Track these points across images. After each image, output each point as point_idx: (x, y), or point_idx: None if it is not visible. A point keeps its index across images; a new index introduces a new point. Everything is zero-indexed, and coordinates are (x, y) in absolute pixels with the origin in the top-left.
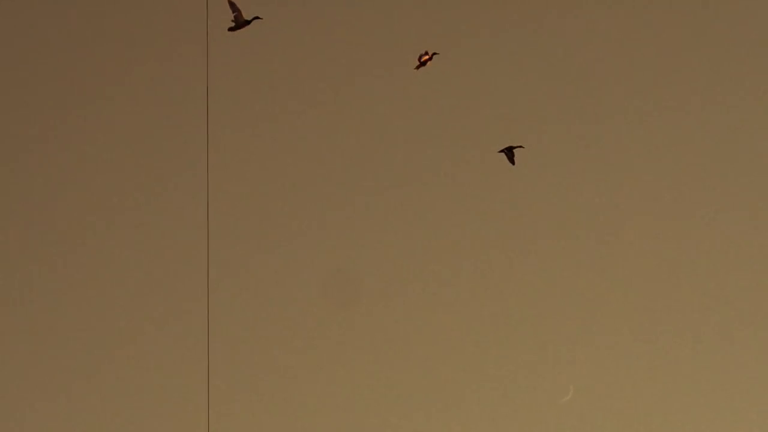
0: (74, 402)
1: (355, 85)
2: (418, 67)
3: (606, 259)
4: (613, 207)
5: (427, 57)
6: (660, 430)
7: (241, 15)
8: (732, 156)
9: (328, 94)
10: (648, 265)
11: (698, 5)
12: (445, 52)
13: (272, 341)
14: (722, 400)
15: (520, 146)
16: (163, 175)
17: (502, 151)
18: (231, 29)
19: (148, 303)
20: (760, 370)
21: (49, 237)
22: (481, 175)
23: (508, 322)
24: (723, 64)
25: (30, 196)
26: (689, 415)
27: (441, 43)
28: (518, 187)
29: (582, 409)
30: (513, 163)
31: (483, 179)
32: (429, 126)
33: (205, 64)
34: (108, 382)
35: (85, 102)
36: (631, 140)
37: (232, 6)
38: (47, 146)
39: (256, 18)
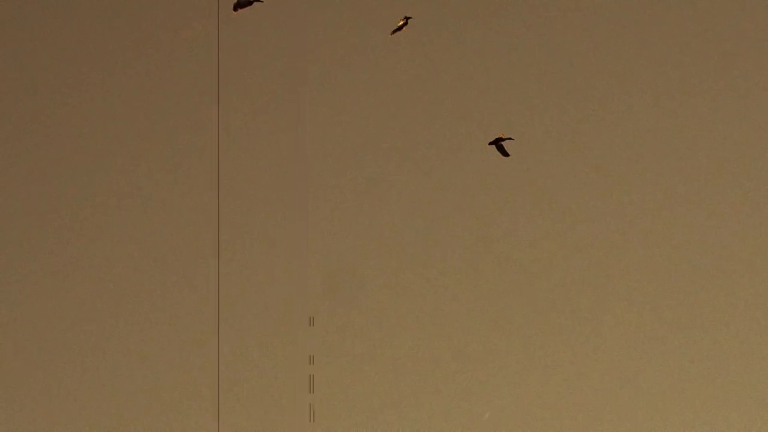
0: (81, 402)
1: (356, 82)
2: (393, 32)
3: (610, 259)
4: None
5: (402, 22)
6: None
7: None
8: (730, 152)
9: (330, 90)
10: (638, 266)
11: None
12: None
13: (273, 341)
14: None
15: (510, 138)
16: (167, 172)
17: (492, 143)
18: (235, 7)
19: (151, 301)
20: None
21: (55, 234)
22: (485, 172)
23: (512, 319)
24: (723, 57)
25: (39, 190)
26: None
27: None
28: (522, 187)
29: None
30: (506, 154)
31: (487, 176)
32: (431, 123)
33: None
34: (111, 382)
35: (85, 92)
36: (630, 134)
37: None
38: (51, 138)
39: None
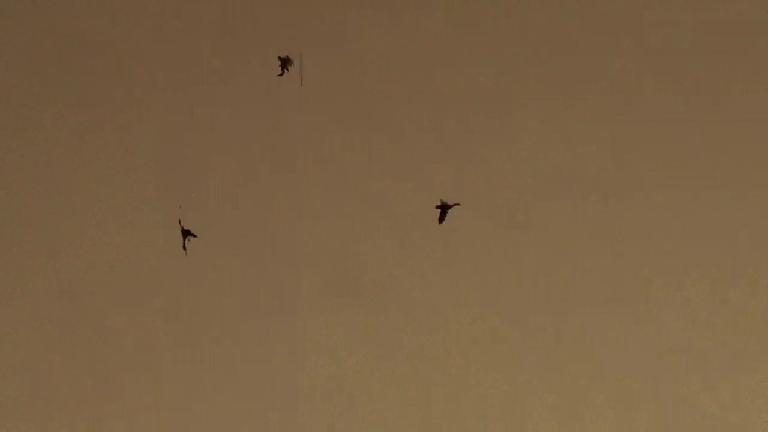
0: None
1: (352, 84)
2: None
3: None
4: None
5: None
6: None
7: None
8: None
9: (326, 90)
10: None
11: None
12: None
13: (271, 343)
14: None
15: (457, 204)
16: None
17: (441, 208)
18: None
19: (147, 303)
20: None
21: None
22: (485, 175)
23: (513, 323)
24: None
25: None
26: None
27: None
28: (522, 191)
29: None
30: (441, 220)
31: (487, 180)
32: (433, 126)
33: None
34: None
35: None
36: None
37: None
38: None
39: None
